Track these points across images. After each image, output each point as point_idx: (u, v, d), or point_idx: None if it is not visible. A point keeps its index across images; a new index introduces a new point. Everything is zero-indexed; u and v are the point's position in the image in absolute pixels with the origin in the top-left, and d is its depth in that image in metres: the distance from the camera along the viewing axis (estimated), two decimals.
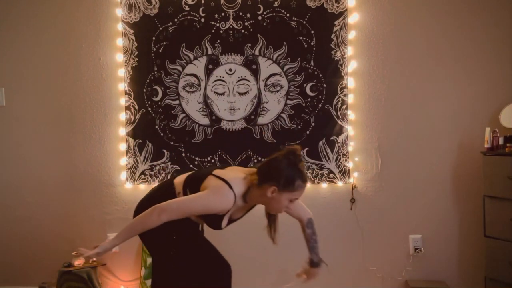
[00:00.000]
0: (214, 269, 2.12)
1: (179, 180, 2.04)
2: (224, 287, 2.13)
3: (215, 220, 1.95)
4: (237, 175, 1.94)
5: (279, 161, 1.87)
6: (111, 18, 3.15)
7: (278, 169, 1.85)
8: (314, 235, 2.14)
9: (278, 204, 1.90)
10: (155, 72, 3.12)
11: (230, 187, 1.85)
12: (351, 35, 3.00)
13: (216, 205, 1.85)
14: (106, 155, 3.19)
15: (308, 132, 3.04)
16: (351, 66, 3.00)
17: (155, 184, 3.13)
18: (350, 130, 3.02)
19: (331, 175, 3.02)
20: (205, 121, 3.11)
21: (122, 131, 3.18)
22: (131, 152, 3.17)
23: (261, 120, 3.07)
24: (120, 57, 3.15)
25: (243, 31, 3.05)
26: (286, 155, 1.87)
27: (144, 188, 3.16)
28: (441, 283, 2.91)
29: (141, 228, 1.86)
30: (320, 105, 3.03)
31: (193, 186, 1.95)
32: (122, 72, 3.15)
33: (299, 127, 3.04)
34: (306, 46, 3.02)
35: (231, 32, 3.06)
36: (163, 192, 2.04)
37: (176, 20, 3.09)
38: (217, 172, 1.94)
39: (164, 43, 3.10)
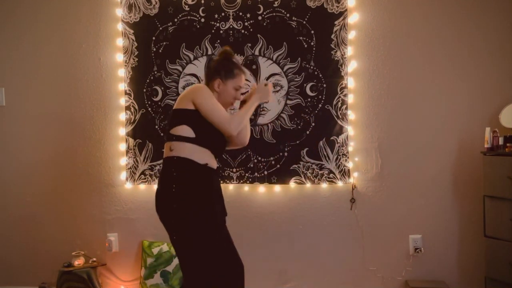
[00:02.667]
0: (227, 268, 2.06)
1: (166, 153, 2.09)
2: (237, 287, 2.09)
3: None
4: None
5: (215, 59, 2.26)
6: (111, 18, 3.16)
7: (216, 65, 2.21)
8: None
9: (227, 94, 2.19)
10: (155, 72, 3.12)
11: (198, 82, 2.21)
12: (351, 35, 3.00)
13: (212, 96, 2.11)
14: (106, 155, 3.20)
15: (308, 132, 3.04)
16: (351, 66, 3.00)
17: (155, 184, 3.13)
18: (350, 130, 3.02)
19: (331, 175, 3.02)
20: None
21: (122, 131, 3.18)
22: (131, 152, 3.17)
23: (261, 120, 3.07)
24: (120, 57, 3.15)
25: (243, 31, 3.05)
26: (219, 54, 2.25)
27: (144, 188, 3.16)
28: (441, 283, 2.91)
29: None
30: (320, 105, 3.03)
31: (177, 121, 2.07)
32: (122, 72, 3.15)
33: (299, 127, 3.04)
34: (306, 46, 3.01)
35: (231, 32, 3.06)
36: (167, 168, 2.07)
37: (176, 20, 3.09)
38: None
39: (164, 43, 3.11)
